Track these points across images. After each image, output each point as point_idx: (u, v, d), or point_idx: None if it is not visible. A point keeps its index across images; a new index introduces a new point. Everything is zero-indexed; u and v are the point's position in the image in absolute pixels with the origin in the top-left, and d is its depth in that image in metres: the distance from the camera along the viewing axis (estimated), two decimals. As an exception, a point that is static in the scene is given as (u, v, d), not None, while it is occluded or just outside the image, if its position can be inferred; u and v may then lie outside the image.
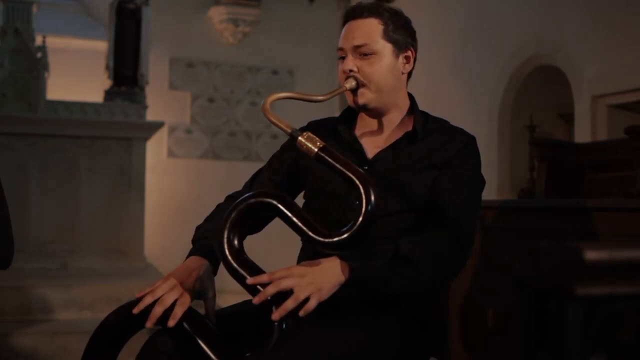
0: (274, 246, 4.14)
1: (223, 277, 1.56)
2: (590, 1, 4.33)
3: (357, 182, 1.40)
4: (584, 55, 4.33)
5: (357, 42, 1.61)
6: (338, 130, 1.70)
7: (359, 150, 1.67)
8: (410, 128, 1.66)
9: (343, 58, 1.64)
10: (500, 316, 2.28)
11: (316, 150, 1.45)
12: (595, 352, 0.74)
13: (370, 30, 1.62)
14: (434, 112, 1.74)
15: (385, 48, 1.62)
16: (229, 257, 1.45)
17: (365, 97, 1.62)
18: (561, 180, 3.87)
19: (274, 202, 1.45)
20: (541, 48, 4.73)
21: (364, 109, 1.65)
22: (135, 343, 1.57)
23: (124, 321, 1.50)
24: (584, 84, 4.33)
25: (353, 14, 1.65)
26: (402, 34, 1.64)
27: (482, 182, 1.67)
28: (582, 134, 4.30)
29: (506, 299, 2.23)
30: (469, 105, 5.23)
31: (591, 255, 0.73)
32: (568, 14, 4.47)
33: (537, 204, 2.59)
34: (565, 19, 4.49)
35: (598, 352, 0.75)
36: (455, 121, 1.75)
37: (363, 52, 1.61)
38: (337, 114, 1.87)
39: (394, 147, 1.65)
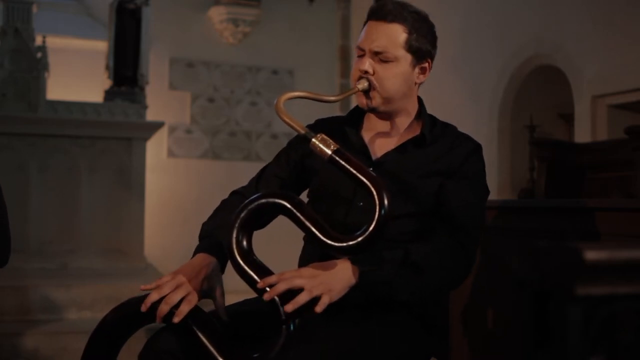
0: (275, 247, 4.14)
1: (224, 276, 1.55)
2: (590, 1, 4.33)
3: (371, 186, 1.39)
4: (584, 55, 4.33)
5: (377, 49, 1.60)
6: (345, 130, 1.69)
7: (364, 152, 1.66)
8: (417, 132, 1.67)
9: (360, 56, 1.64)
10: (500, 316, 2.28)
11: (330, 153, 1.43)
12: (595, 352, 0.74)
13: (393, 37, 1.60)
14: (434, 112, 1.74)
15: (405, 57, 1.61)
16: (238, 258, 1.43)
17: (376, 100, 1.62)
18: (561, 180, 3.87)
19: (285, 204, 1.43)
20: (541, 48, 4.73)
21: (373, 110, 1.65)
22: (135, 343, 1.56)
23: (123, 320, 1.49)
24: (584, 84, 4.33)
25: (378, 15, 1.62)
26: (424, 42, 1.63)
27: (486, 191, 1.68)
28: (582, 134, 4.30)
29: (506, 299, 2.23)
30: (469, 105, 5.23)
31: (591, 255, 0.73)
32: (568, 14, 4.47)
33: (537, 204, 2.59)
34: (565, 19, 4.50)
35: (598, 352, 0.75)
36: (455, 121, 1.75)
37: (382, 58, 1.60)
38: (339, 112, 1.87)
39: (400, 150, 1.65)
